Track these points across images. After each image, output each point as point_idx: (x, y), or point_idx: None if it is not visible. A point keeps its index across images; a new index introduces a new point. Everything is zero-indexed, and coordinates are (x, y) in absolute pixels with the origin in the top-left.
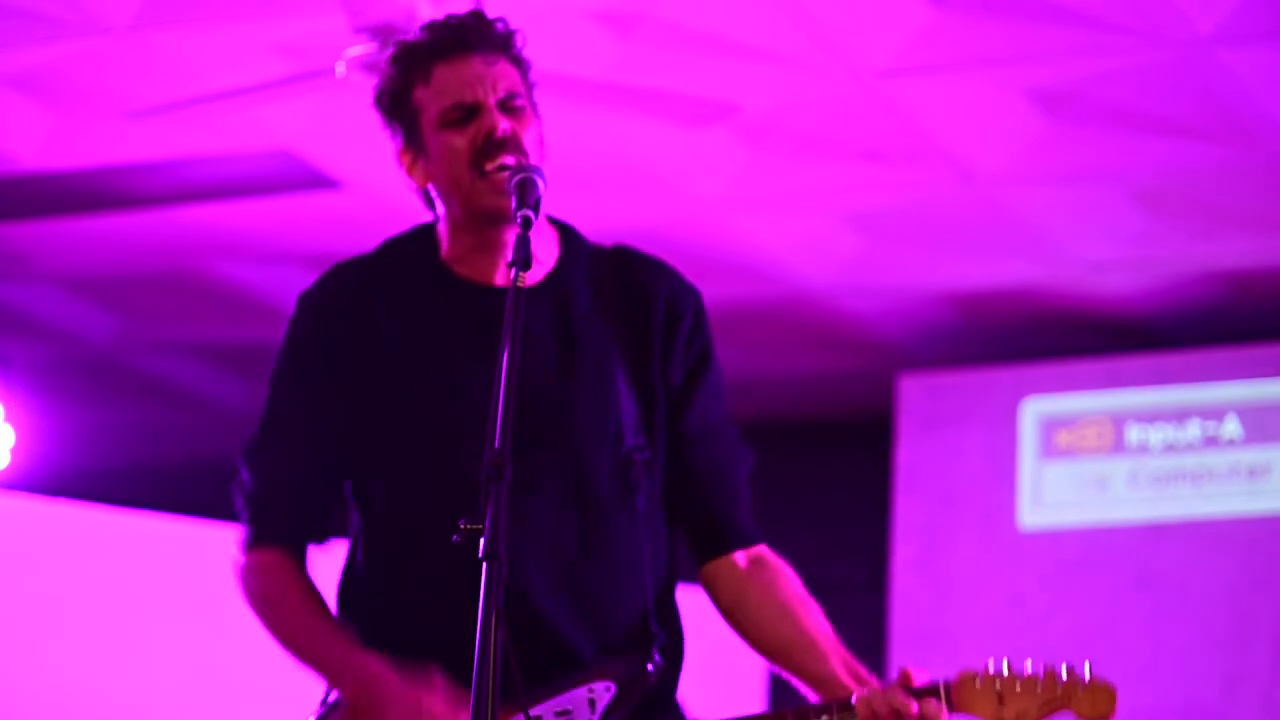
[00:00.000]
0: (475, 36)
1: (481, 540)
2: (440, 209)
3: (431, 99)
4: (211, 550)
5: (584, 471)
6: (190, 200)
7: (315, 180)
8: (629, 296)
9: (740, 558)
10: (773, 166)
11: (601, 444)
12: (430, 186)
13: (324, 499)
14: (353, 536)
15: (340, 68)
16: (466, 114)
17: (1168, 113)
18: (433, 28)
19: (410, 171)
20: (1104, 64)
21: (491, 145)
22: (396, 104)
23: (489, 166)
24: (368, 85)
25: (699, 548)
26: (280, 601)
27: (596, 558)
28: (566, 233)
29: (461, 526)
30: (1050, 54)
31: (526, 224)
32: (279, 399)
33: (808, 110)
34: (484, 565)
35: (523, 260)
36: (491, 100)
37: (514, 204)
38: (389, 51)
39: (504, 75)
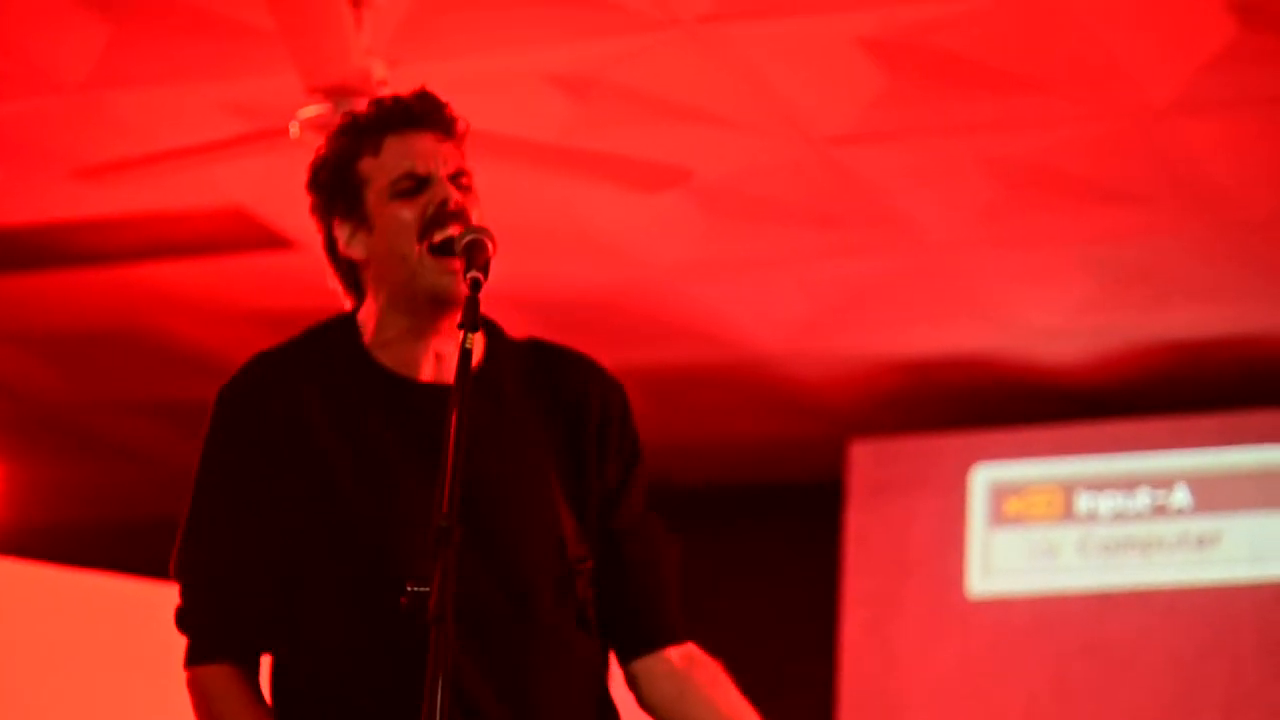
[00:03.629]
0: (428, 114)
1: (430, 603)
2: (370, 291)
3: (380, 170)
4: (157, 610)
5: (527, 584)
6: (142, 258)
7: (267, 240)
8: (560, 395)
9: (673, 654)
10: (726, 231)
11: (542, 551)
12: (361, 264)
13: (266, 602)
14: (279, 645)
15: (294, 128)
16: (417, 185)
17: (1121, 182)
18: (383, 104)
19: (346, 246)
20: (1058, 133)
21: (443, 215)
22: (339, 174)
23: (438, 237)
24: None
25: (627, 644)
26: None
27: (540, 670)
28: (490, 328)
29: (408, 588)
30: (1004, 122)
31: (476, 286)
32: (202, 498)
33: (761, 176)
34: (432, 628)
35: (471, 322)
36: (443, 174)
37: (463, 266)
38: (336, 123)
39: (452, 154)
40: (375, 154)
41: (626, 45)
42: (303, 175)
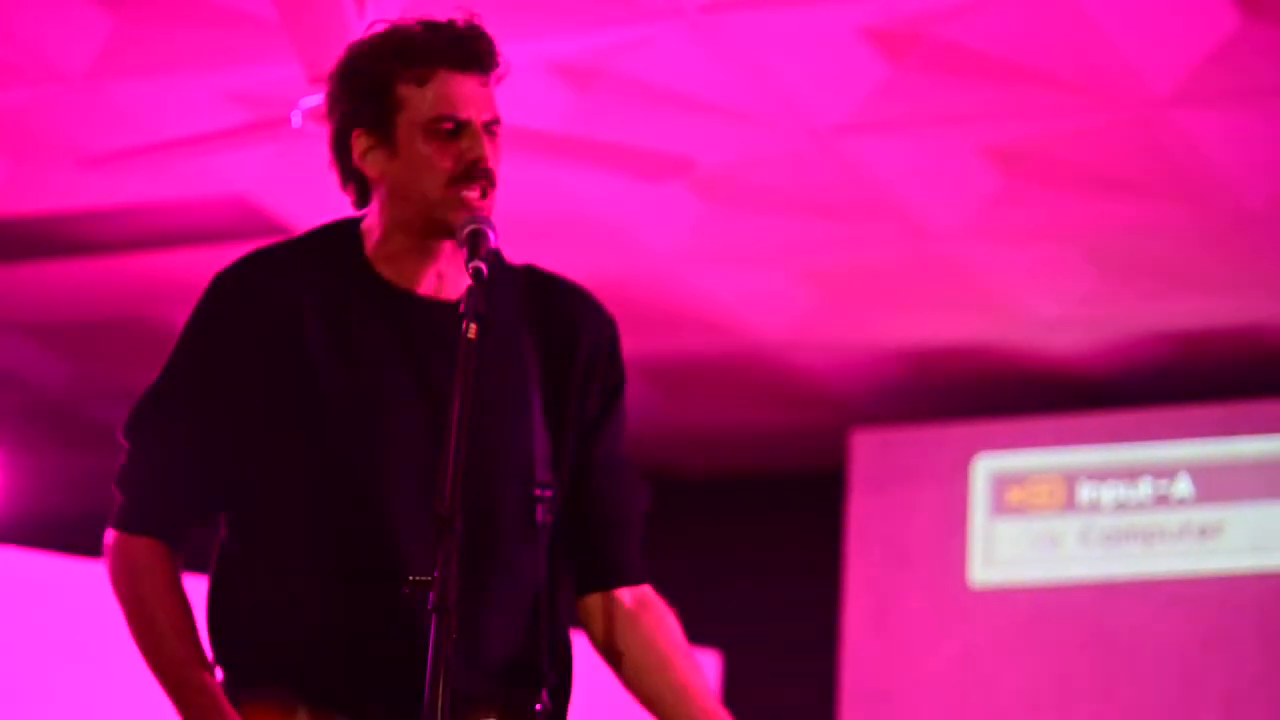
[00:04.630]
0: (480, 55)
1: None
2: (377, 203)
3: (421, 101)
4: None
5: (490, 501)
6: (145, 248)
7: (270, 229)
8: (552, 322)
9: (625, 595)
10: (727, 221)
11: (511, 474)
12: (373, 178)
13: (207, 492)
14: (222, 550)
15: (296, 117)
16: (456, 129)
17: (1122, 173)
18: (435, 28)
19: (364, 156)
20: (1059, 124)
21: (476, 170)
22: (375, 88)
23: (464, 192)
24: (324, 135)
25: (583, 579)
26: (147, 601)
27: (491, 589)
28: (490, 252)
29: (410, 580)
30: (1005, 113)
31: (479, 276)
32: (178, 375)
33: (763, 165)
34: (433, 619)
35: (475, 313)
36: (480, 122)
37: (466, 256)
38: (378, 29)
39: (490, 100)
40: (420, 83)
41: (628, 35)
42: (305, 164)
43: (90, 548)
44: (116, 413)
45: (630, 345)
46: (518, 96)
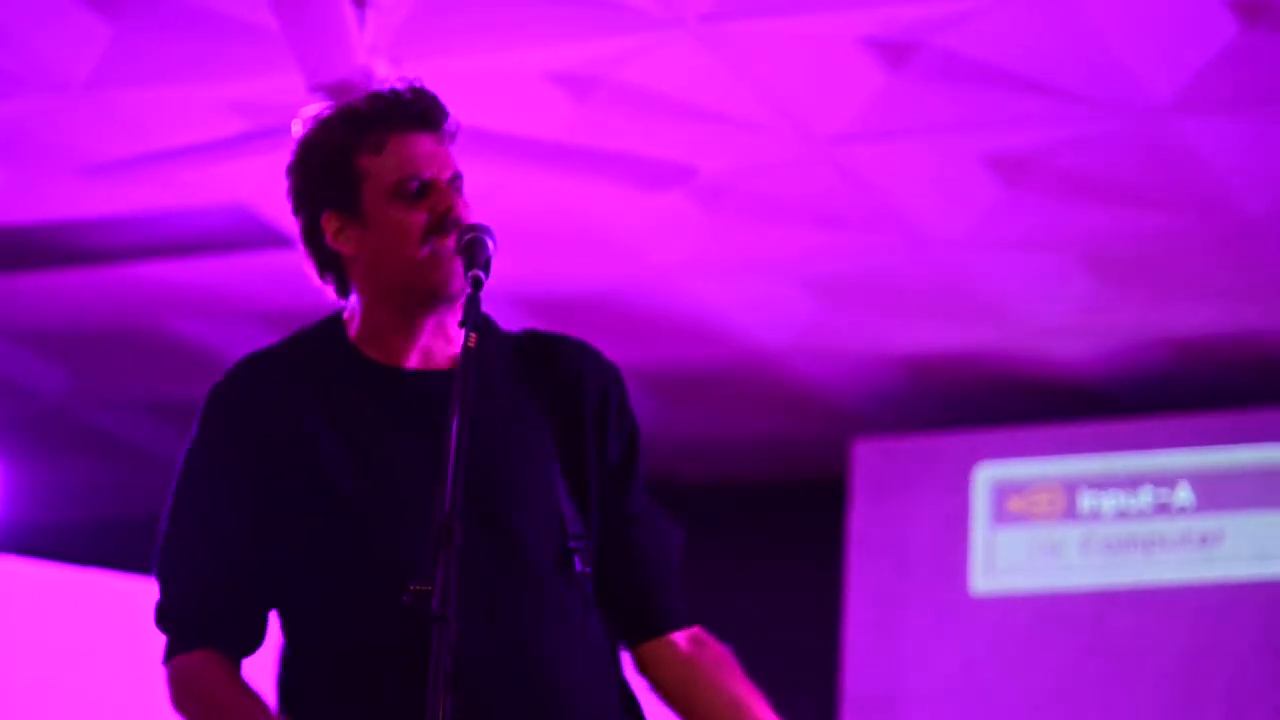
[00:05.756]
0: (428, 113)
1: (432, 601)
2: (356, 284)
3: (382, 169)
4: None
5: (526, 553)
6: (146, 257)
7: (271, 238)
8: (554, 378)
9: (680, 639)
10: (728, 230)
11: (542, 528)
12: (348, 258)
13: (250, 598)
14: (282, 641)
15: (297, 126)
16: (420, 189)
17: (1122, 180)
18: (383, 98)
19: (337, 237)
20: (1059, 131)
21: (448, 223)
22: (334, 166)
23: (439, 244)
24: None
25: (635, 628)
26: (211, 702)
27: (546, 628)
28: (481, 319)
29: (410, 588)
30: (1005, 121)
31: (477, 284)
32: (190, 498)
33: (763, 174)
34: (434, 627)
35: (473, 321)
36: (444, 179)
37: (463, 264)
38: (325, 112)
39: (448, 157)
40: (376, 152)
41: (629, 43)
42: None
43: (88, 556)
44: (116, 421)
45: (632, 355)
46: (518, 105)
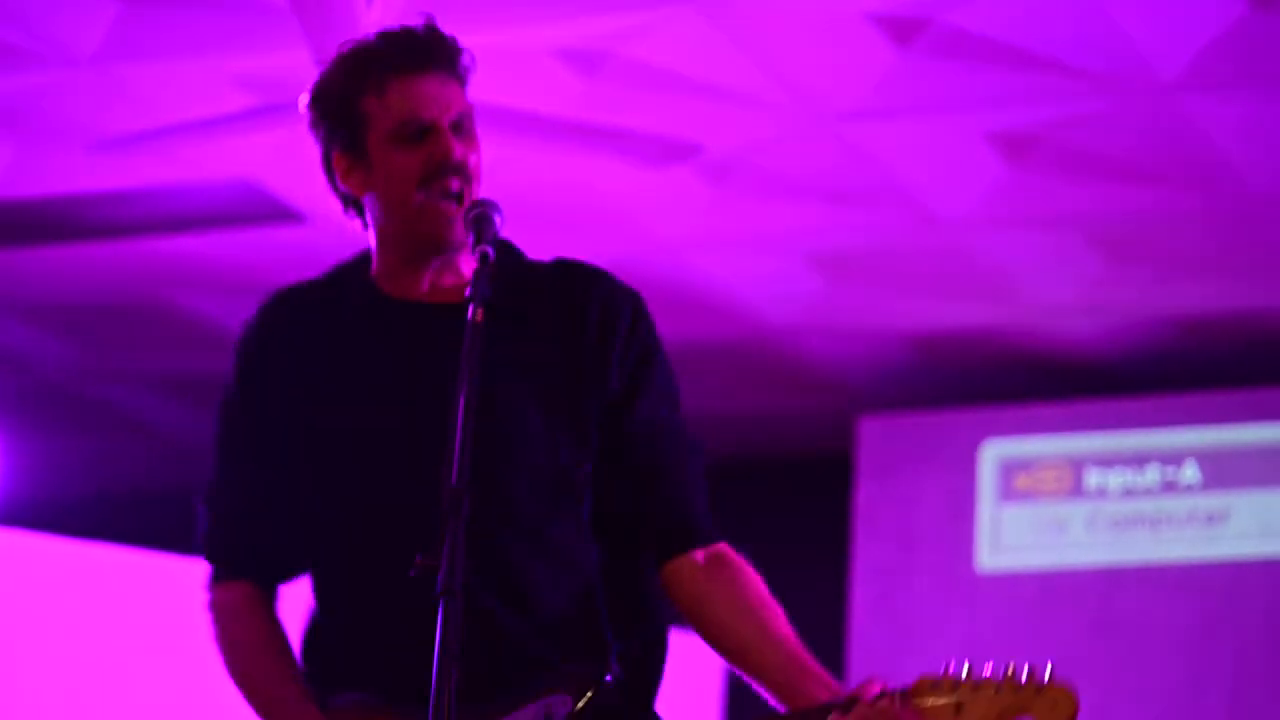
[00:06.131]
0: (433, 54)
1: (439, 576)
2: (370, 222)
3: (383, 112)
4: (169, 581)
5: (507, 478)
6: (152, 231)
7: (278, 212)
8: (561, 308)
9: (700, 556)
10: (735, 206)
11: (529, 454)
12: (359, 197)
13: (287, 531)
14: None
15: (304, 100)
16: (420, 132)
17: (1129, 158)
18: (388, 38)
19: (346, 177)
20: (1066, 109)
21: (445, 169)
22: (341, 108)
23: (436, 189)
24: None
25: (657, 549)
26: (242, 644)
27: (525, 560)
28: (502, 248)
29: (417, 562)
30: (1012, 98)
31: (485, 260)
32: (230, 433)
33: (770, 151)
34: (440, 602)
35: (480, 297)
36: (445, 121)
37: (471, 240)
38: (339, 51)
39: (456, 97)
40: (379, 94)
41: (636, 20)
42: (313, 148)
43: (92, 530)
44: (122, 395)
45: None
46: (525, 81)
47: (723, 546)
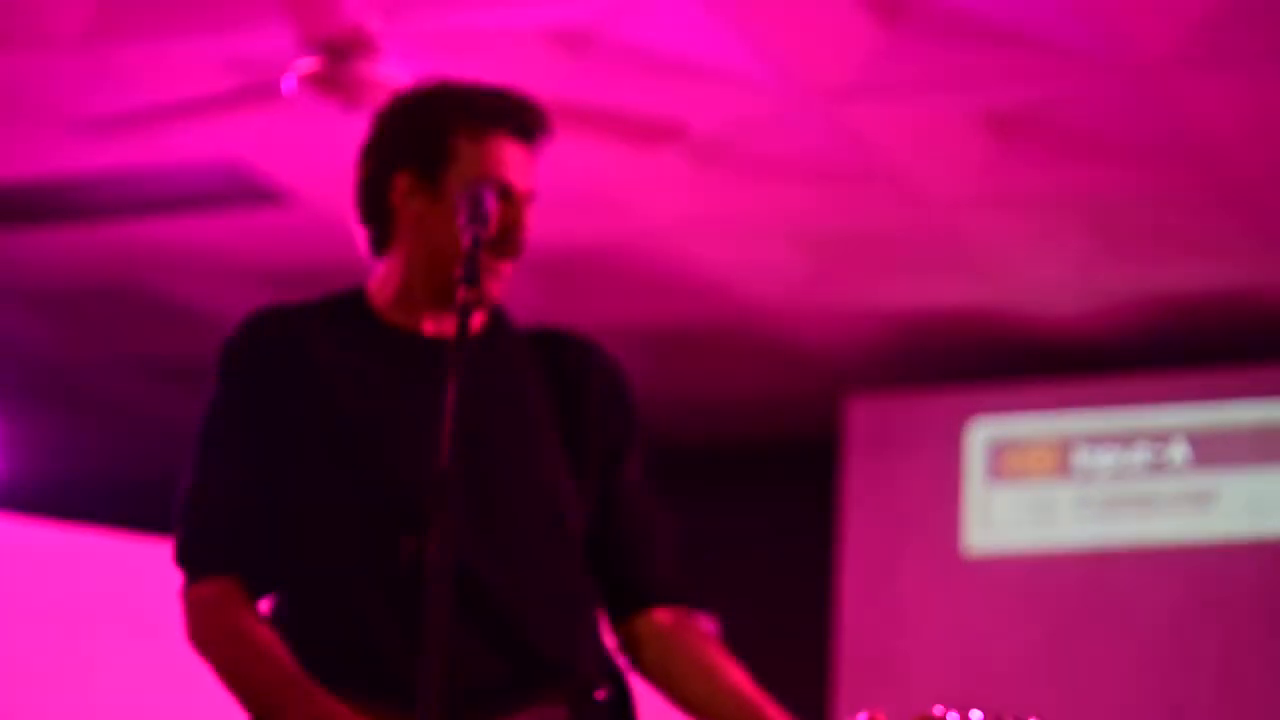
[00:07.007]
0: (537, 129)
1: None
2: (397, 240)
3: (474, 159)
4: (153, 566)
5: (515, 519)
6: (136, 213)
7: (262, 194)
8: (562, 372)
9: (664, 614)
10: (722, 187)
11: (534, 495)
12: (403, 217)
13: (268, 535)
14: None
15: (288, 82)
16: (499, 192)
17: (1117, 137)
18: (503, 96)
19: (405, 197)
20: (1054, 88)
21: (510, 240)
22: (429, 135)
23: (487, 260)
24: (316, 100)
25: (616, 607)
26: (228, 639)
27: (530, 585)
28: (499, 311)
29: (405, 549)
30: (1001, 77)
31: (476, 242)
32: (215, 442)
33: (757, 131)
34: (429, 587)
35: (473, 274)
36: (523, 190)
37: (464, 217)
38: (431, 85)
39: (534, 172)
40: (475, 139)
41: (623, 0)
42: (298, 130)
43: (81, 514)
44: (108, 378)
45: (624, 312)
46: (512, 61)
47: (685, 609)
